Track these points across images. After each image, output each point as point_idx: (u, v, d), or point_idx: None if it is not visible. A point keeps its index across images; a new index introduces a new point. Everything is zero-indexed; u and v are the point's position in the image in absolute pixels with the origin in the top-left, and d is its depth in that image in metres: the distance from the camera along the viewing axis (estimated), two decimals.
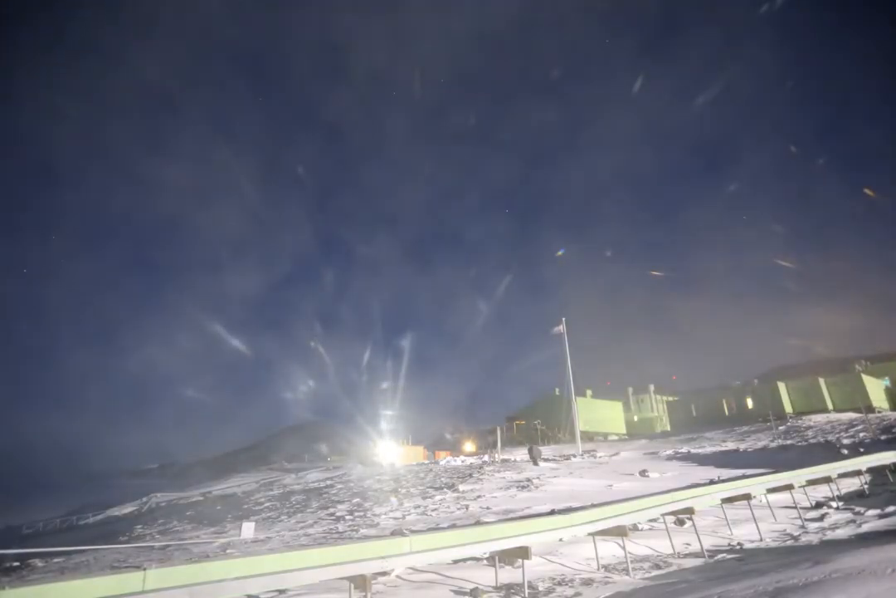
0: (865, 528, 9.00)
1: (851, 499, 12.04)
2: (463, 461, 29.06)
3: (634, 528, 9.98)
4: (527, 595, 6.14)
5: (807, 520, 10.16)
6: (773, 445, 22.54)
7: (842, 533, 8.84)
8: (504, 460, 27.04)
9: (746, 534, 9.35)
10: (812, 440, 22.21)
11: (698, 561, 7.71)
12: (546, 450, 29.85)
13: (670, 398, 55.45)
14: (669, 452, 25.44)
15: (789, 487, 11.34)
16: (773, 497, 11.35)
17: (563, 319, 31.70)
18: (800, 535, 9.02)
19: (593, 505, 10.75)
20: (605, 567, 7.61)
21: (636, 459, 24.09)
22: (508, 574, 6.97)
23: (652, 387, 67.57)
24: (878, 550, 5.64)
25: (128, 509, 34.99)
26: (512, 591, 6.39)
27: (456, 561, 7.80)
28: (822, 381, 38.14)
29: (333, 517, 14.61)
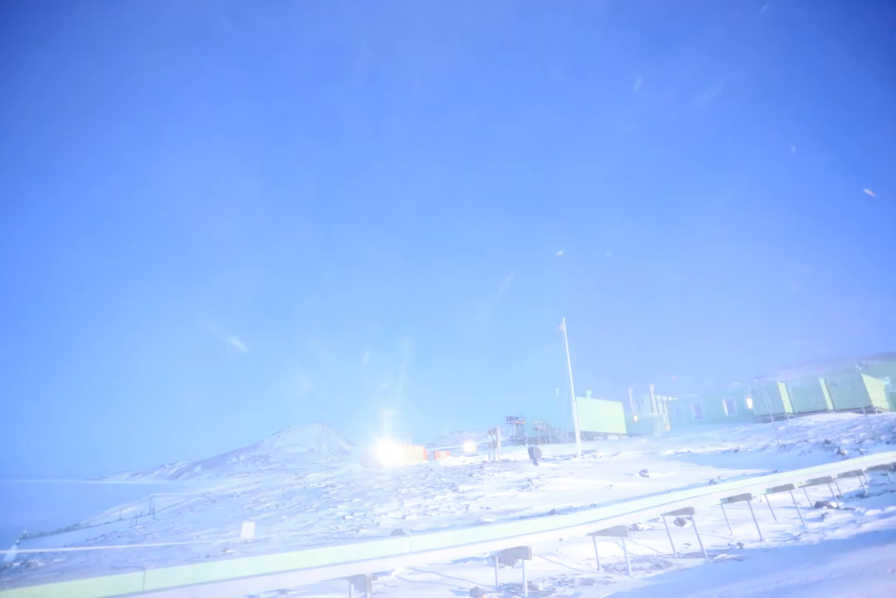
0: (865, 528, 9.00)
1: (851, 499, 12.04)
2: (463, 461, 29.05)
3: (634, 528, 9.98)
4: (527, 595, 6.14)
5: (807, 520, 10.16)
6: (773, 445, 22.52)
7: (842, 533, 8.84)
8: (504, 460, 27.03)
9: (746, 534, 9.35)
10: (812, 440, 22.19)
11: (698, 561, 7.71)
12: (546, 450, 29.85)
13: (670, 398, 55.43)
14: (669, 452, 25.43)
15: (789, 487, 11.35)
16: (773, 497, 11.35)
17: (564, 319, 31.68)
18: (800, 535, 9.01)
19: (593, 505, 10.76)
20: (605, 567, 7.62)
21: (636, 459, 24.08)
22: (508, 574, 6.97)
23: (652, 387, 67.55)
24: (878, 550, 5.64)
25: (128, 509, 34.99)
26: (512, 591, 6.39)
27: (456, 561, 7.81)
28: (822, 381, 38.11)
29: (334, 517, 14.62)
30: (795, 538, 8.81)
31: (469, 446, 43.91)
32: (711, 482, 14.55)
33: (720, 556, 7.89)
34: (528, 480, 18.03)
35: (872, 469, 14.11)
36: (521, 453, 29.16)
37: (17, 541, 29.73)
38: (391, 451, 37.71)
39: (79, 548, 13.53)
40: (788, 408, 37.69)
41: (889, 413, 32.62)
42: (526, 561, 6.36)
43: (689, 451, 24.94)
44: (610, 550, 8.19)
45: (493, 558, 6.93)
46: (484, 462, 27.14)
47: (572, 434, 32.41)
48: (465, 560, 7.88)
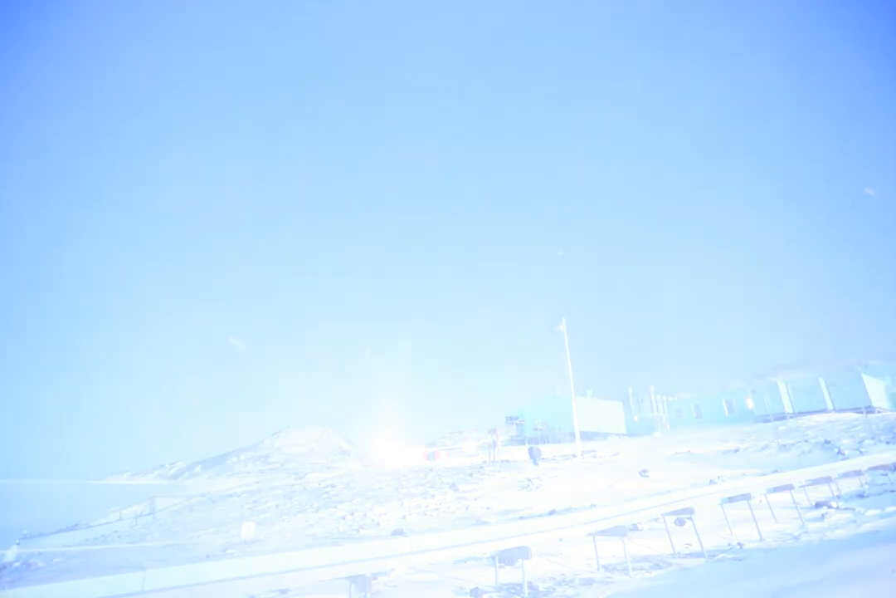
0: (865, 528, 8.99)
1: (851, 499, 12.04)
2: (463, 462, 29.05)
3: (634, 528, 9.99)
4: (527, 595, 6.14)
5: (807, 520, 10.16)
6: (773, 445, 22.53)
7: (842, 533, 8.83)
8: (504, 461, 27.03)
9: (746, 534, 9.34)
10: (812, 440, 22.19)
11: (698, 561, 7.71)
12: (546, 450, 29.85)
13: (670, 398, 55.48)
14: (669, 452, 25.43)
15: (789, 487, 11.35)
16: (773, 497, 11.35)
17: (564, 319, 31.66)
18: (800, 535, 9.01)
19: (593, 505, 10.76)
20: (605, 567, 7.62)
21: (636, 459, 24.07)
22: (508, 574, 6.98)
23: (652, 387, 67.53)
24: (878, 550, 5.64)
25: (128, 509, 34.98)
26: (512, 591, 6.39)
27: (456, 561, 7.81)
28: (822, 381, 38.12)
29: (334, 517, 14.62)
30: (796, 538, 8.80)
31: (469, 446, 43.90)
32: (711, 482, 14.56)
33: (720, 556, 7.89)
34: (528, 480, 18.04)
35: (872, 469, 14.11)
36: (521, 454, 29.15)
37: (17, 541, 29.67)
38: (391, 451, 37.71)
39: (79, 548, 13.53)
40: (788, 408, 37.69)
41: (889, 413, 32.63)
42: (526, 561, 6.36)
43: (689, 451, 24.94)
44: (610, 550, 8.18)
45: (493, 558, 6.93)
46: (484, 462, 27.14)
47: (572, 434, 32.40)
48: (465, 560, 7.88)
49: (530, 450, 25.16)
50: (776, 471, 14.89)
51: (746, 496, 10.23)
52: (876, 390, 37.17)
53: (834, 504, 11.43)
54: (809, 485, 12.51)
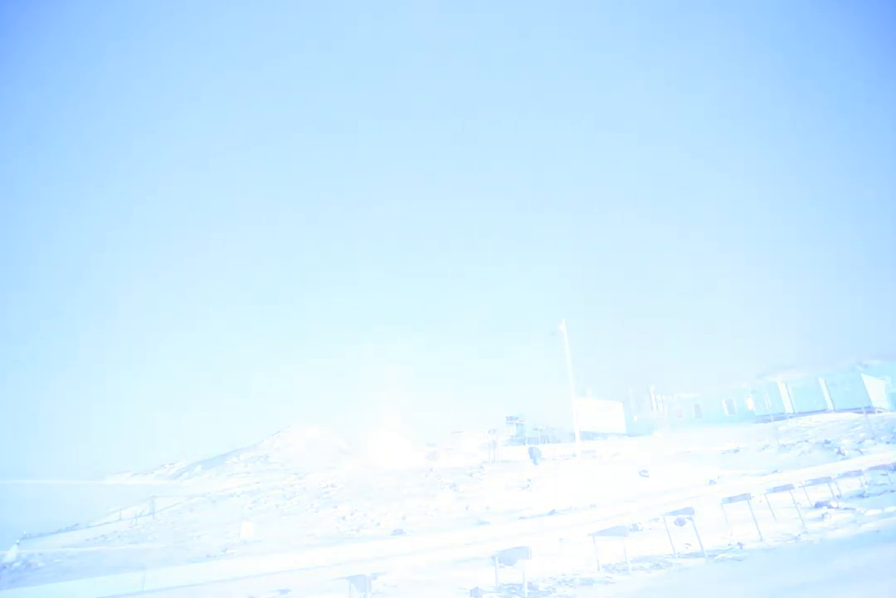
0: (866, 528, 8.99)
1: (851, 499, 12.04)
2: (463, 462, 29.05)
3: (634, 528, 9.99)
4: (527, 595, 6.15)
5: (807, 520, 10.16)
6: (773, 445, 22.53)
7: (842, 533, 8.83)
8: (504, 461, 27.04)
9: (746, 534, 9.35)
10: (812, 440, 22.20)
11: (698, 561, 7.71)
12: (546, 450, 29.86)
13: (670, 398, 55.50)
14: (669, 452, 25.43)
15: (789, 487, 11.35)
16: (773, 497, 11.35)
17: (564, 319, 31.65)
18: (800, 535, 9.02)
19: (593, 505, 10.77)
20: (605, 567, 7.62)
21: (636, 459, 24.07)
22: (508, 574, 6.98)
23: (652, 387, 67.52)
24: (878, 550, 5.64)
25: (128, 509, 34.97)
26: (512, 591, 6.39)
27: (456, 561, 7.81)
28: (822, 381, 38.11)
29: (334, 517, 14.63)
30: (796, 538, 8.81)
31: (469, 446, 43.92)
32: (711, 482, 14.55)
33: (720, 556, 7.89)
34: (529, 480, 18.04)
35: (872, 469, 14.11)
36: (521, 454, 29.16)
37: (17, 541, 29.64)
38: (391, 451, 37.74)
39: (79, 548, 13.55)
40: (788, 408, 37.67)
41: (889, 413, 32.62)
42: (526, 561, 6.36)
43: (689, 451, 24.94)
44: (610, 550, 8.19)
45: (493, 558, 6.93)
46: (484, 462, 27.15)
47: (572, 434, 32.39)
48: (465, 560, 7.88)
49: (530, 450, 25.18)
50: (776, 471, 14.89)
51: (746, 496, 10.23)
52: (876, 390, 37.16)
53: (834, 504, 11.43)
54: (809, 485, 12.51)
